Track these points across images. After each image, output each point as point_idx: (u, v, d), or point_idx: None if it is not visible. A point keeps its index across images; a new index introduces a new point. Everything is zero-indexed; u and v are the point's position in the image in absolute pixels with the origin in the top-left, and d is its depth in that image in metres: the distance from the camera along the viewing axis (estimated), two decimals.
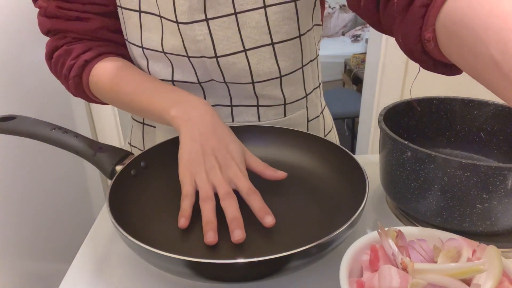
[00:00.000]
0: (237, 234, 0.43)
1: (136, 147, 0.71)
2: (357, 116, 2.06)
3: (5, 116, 0.57)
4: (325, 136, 0.72)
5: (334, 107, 2.50)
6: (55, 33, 0.59)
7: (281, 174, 0.51)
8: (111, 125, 1.58)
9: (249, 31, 0.53)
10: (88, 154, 0.55)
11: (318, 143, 0.60)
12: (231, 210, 0.45)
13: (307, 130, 0.69)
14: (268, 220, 0.45)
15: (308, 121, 0.67)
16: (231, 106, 0.61)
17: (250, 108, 0.61)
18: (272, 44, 0.54)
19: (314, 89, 0.66)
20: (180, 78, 0.58)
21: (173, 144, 0.60)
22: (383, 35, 1.57)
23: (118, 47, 0.61)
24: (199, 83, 0.59)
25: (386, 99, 1.69)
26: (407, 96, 0.63)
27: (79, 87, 0.60)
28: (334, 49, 3.53)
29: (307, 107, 0.65)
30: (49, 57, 0.61)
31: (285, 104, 0.62)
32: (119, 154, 0.55)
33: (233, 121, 0.62)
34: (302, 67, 0.60)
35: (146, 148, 0.69)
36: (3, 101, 0.93)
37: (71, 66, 0.58)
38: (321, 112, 0.71)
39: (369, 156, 0.74)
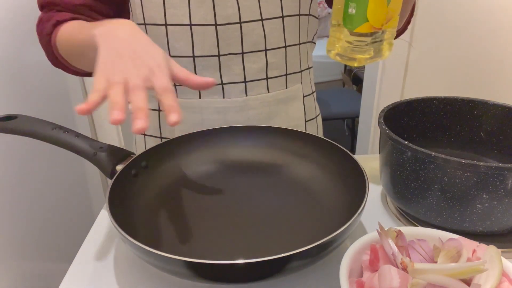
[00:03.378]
0: (139, 123, 0.38)
1: (151, 136, 0.73)
2: (357, 116, 2.06)
3: (6, 116, 0.57)
4: (316, 116, 0.80)
5: (334, 107, 2.50)
6: (46, 7, 0.63)
7: (208, 79, 0.46)
8: (111, 125, 1.57)
9: (266, 4, 0.62)
10: (89, 153, 0.55)
11: (318, 144, 0.60)
12: (138, 100, 0.40)
13: (304, 106, 0.74)
14: (173, 117, 0.39)
15: (303, 96, 0.74)
16: (245, 82, 0.66)
17: (260, 82, 0.67)
18: (282, 17, 0.64)
19: (306, 69, 0.75)
20: (200, 53, 0.63)
21: (174, 144, 0.61)
22: None
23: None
24: (219, 56, 0.63)
25: (386, 99, 1.68)
26: (407, 96, 0.63)
27: (49, 46, 0.61)
28: None
29: (301, 82, 0.73)
30: (37, 26, 0.63)
31: (286, 74, 0.70)
32: (120, 154, 0.55)
33: (246, 95, 0.67)
34: (299, 44, 0.70)
35: (163, 135, 0.69)
36: (3, 101, 0.93)
37: (45, 29, 0.60)
38: (312, 93, 0.79)
39: (369, 156, 0.74)
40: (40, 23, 0.62)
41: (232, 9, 0.60)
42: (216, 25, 0.61)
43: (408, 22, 0.70)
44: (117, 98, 0.39)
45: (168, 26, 0.61)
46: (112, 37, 0.46)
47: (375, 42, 0.48)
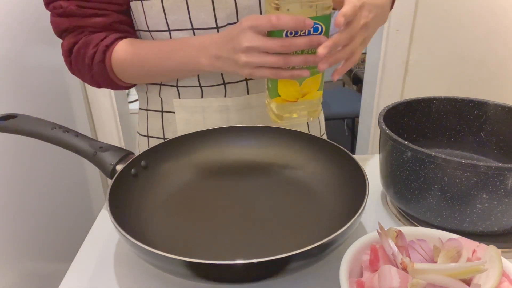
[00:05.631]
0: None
1: (154, 137, 0.73)
2: (357, 116, 2.06)
3: (6, 115, 0.57)
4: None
5: (334, 107, 2.50)
6: (72, 30, 0.62)
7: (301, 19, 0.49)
8: (111, 125, 1.57)
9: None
10: (89, 153, 0.55)
11: (318, 144, 0.60)
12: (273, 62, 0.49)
13: (308, 126, 0.73)
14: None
15: None
16: (246, 80, 0.66)
17: (262, 80, 0.66)
18: None
19: None
20: None
21: (174, 144, 0.61)
22: (383, 35, 1.58)
23: (131, 34, 0.66)
24: None
25: (386, 99, 1.68)
26: (407, 96, 0.64)
27: (104, 72, 0.63)
28: None
29: None
30: (68, 53, 0.63)
31: None
32: (120, 154, 0.55)
33: (248, 93, 0.67)
34: None
35: (166, 136, 0.69)
36: (3, 101, 0.93)
37: (93, 54, 0.61)
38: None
39: (369, 156, 0.74)
40: (79, 50, 0.61)
41: (230, 9, 0.60)
42: (217, 27, 0.61)
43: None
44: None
45: (171, 32, 0.61)
46: (216, 57, 0.54)
47: (297, 108, 0.55)
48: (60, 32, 0.63)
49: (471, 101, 0.62)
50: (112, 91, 1.52)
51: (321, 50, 0.47)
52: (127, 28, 0.65)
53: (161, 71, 0.62)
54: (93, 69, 0.62)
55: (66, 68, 0.67)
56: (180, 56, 0.58)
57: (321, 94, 0.56)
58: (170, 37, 0.62)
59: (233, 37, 0.51)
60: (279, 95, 0.53)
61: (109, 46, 0.61)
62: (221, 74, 0.64)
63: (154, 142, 0.72)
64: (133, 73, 0.63)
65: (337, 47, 0.48)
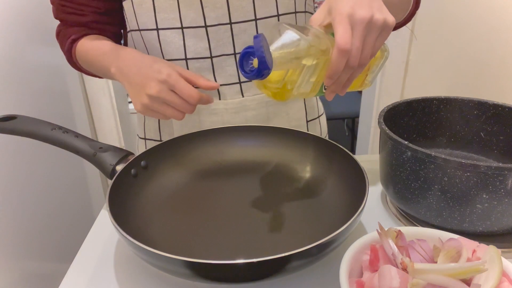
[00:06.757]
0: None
1: (151, 139, 0.73)
2: (357, 116, 2.06)
3: (6, 116, 0.57)
4: (319, 115, 0.78)
5: (334, 107, 2.50)
6: (59, 20, 0.70)
7: (212, 84, 0.57)
8: (111, 125, 1.57)
9: (260, 2, 0.61)
10: (89, 154, 0.55)
11: (319, 144, 0.60)
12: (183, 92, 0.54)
13: (305, 106, 0.73)
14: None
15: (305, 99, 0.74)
16: (240, 83, 0.66)
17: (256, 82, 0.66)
18: (278, 15, 0.63)
19: None
20: (193, 56, 0.63)
21: (173, 144, 0.61)
22: None
23: (105, 32, 0.70)
24: (211, 57, 0.63)
25: (386, 99, 1.68)
26: (407, 96, 0.64)
27: (72, 60, 0.70)
28: None
29: None
30: (57, 37, 0.72)
31: None
32: (120, 154, 0.55)
33: (243, 96, 0.66)
34: None
35: (163, 138, 0.69)
36: (3, 101, 0.93)
37: (65, 44, 0.69)
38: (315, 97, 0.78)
39: (369, 156, 0.74)
40: (60, 37, 0.70)
41: (221, 10, 0.60)
42: (206, 26, 0.61)
43: (411, 14, 0.67)
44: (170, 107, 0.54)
45: (159, 31, 0.62)
46: (126, 73, 0.57)
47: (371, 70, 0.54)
48: (55, 18, 0.70)
49: (471, 101, 0.62)
50: (112, 91, 1.52)
51: (328, 82, 0.44)
52: (104, 26, 0.69)
53: (96, 70, 0.67)
54: (65, 55, 0.70)
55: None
56: (101, 59, 0.63)
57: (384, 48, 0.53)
58: (158, 36, 0.62)
59: (148, 77, 0.54)
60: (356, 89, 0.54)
61: (75, 40, 0.68)
62: (214, 76, 0.64)
63: (151, 144, 0.73)
64: (87, 66, 0.69)
65: (339, 72, 0.43)
